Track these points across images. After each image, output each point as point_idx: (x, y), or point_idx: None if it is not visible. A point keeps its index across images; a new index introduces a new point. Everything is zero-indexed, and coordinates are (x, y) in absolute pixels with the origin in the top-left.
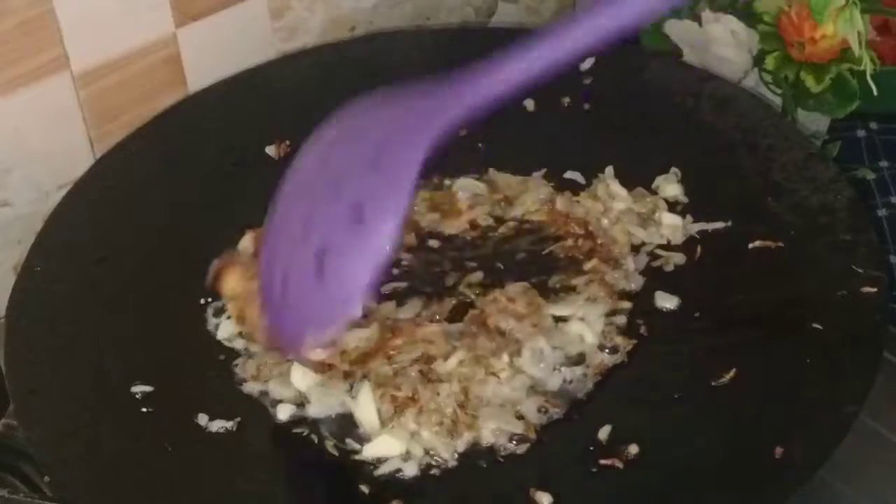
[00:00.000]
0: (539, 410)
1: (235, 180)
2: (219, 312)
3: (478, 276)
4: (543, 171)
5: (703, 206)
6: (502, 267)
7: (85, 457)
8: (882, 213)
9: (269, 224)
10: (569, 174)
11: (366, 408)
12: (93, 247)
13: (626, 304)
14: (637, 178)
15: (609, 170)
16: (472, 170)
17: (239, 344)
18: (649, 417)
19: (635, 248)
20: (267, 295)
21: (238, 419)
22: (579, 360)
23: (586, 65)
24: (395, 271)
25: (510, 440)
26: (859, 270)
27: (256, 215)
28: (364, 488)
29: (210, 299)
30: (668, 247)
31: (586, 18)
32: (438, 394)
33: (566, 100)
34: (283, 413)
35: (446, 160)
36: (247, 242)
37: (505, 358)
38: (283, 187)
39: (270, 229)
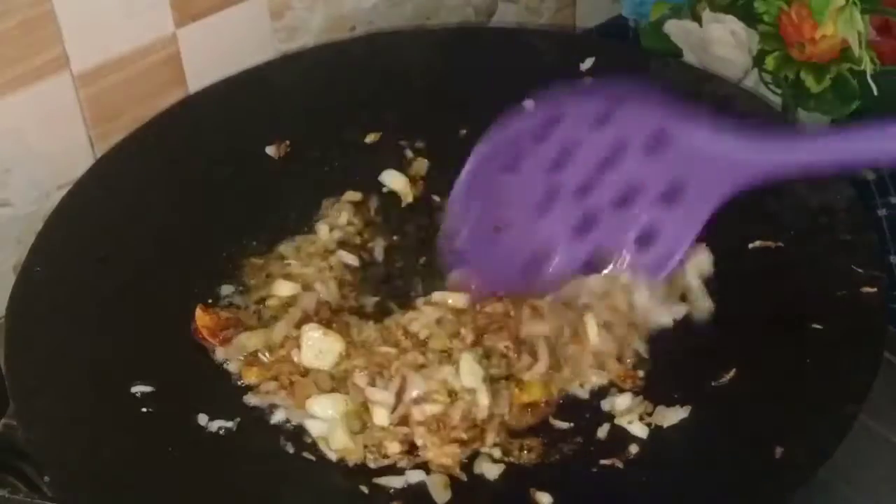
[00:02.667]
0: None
1: (236, 180)
2: None
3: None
4: None
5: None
6: None
7: (85, 457)
8: (882, 213)
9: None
10: None
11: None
12: (93, 247)
13: None
14: None
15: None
16: None
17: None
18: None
19: None
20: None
21: (238, 419)
22: None
23: (586, 65)
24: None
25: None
26: (859, 270)
27: (256, 215)
28: (364, 489)
29: (210, 300)
30: None
31: None
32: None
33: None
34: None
35: (446, 160)
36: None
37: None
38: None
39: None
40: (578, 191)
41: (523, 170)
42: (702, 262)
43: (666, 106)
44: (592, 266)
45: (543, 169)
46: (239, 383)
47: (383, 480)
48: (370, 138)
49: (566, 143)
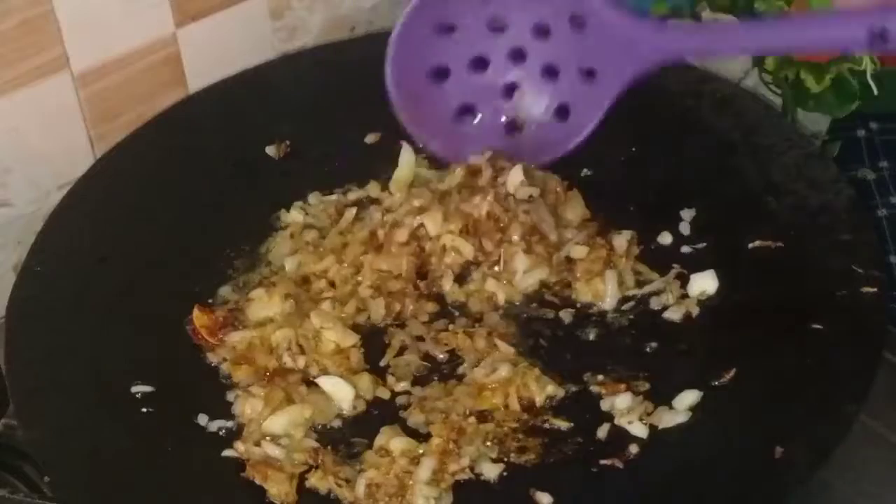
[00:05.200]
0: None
1: (235, 180)
2: None
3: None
4: None
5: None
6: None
7: (85, 457)
8: (882, 213)
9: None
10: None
11: None
12: (93, 247)
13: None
14: (637, 179)
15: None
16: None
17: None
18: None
19: None
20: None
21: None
22: None
23: None
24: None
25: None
26: (859, 270)
27: (256, 215)
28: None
29: (210, 300)
30: None
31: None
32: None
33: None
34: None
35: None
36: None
37: None
38: None
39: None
40: (510, 55)
41: (461, 26)
42: (707, 284)
43: None
44: (512, 127)
45: (480, 29)
46: (225, 381)
47: None
48: (370, 138)
49: (502, 8)
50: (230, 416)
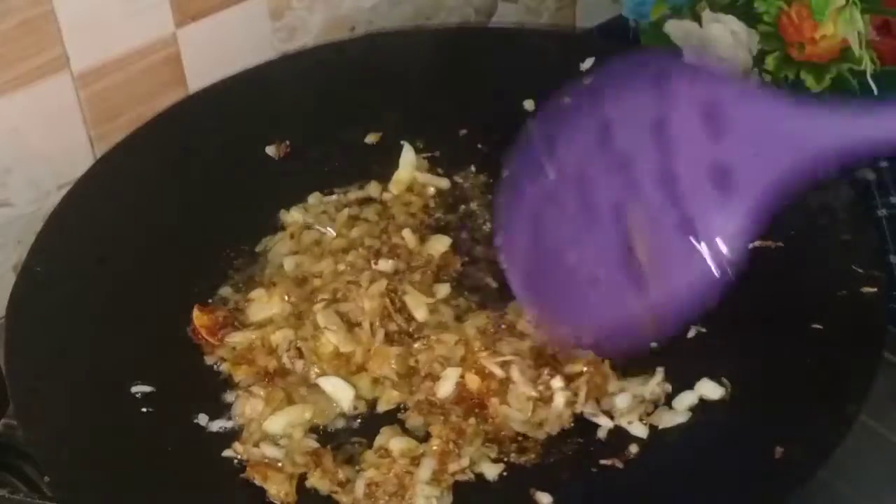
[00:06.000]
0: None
1: (235, 180)
2: None
3: None
4: None
5: None
6: None
7: (85, 457)
8: (882, 213)
9: (550, 171)
10: None
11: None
12: (93, 247)
13: None
14: None
15: None
16: (471, 168)
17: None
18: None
19: None
20: (528, 259)
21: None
22: None
23: (586, 65)
24: None
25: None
26: (859, 270)
27: (256, 215)
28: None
29: (210, 300)
30: None
31: None
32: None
33: (566, 100)
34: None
35: (446, 159)
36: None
37: None
38: (576, 131)
39: (550, 178)
40: (613, 206)
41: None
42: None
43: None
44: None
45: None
46: (225, 381)
47: None
48: (370, 138)
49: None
50: (230, 417)
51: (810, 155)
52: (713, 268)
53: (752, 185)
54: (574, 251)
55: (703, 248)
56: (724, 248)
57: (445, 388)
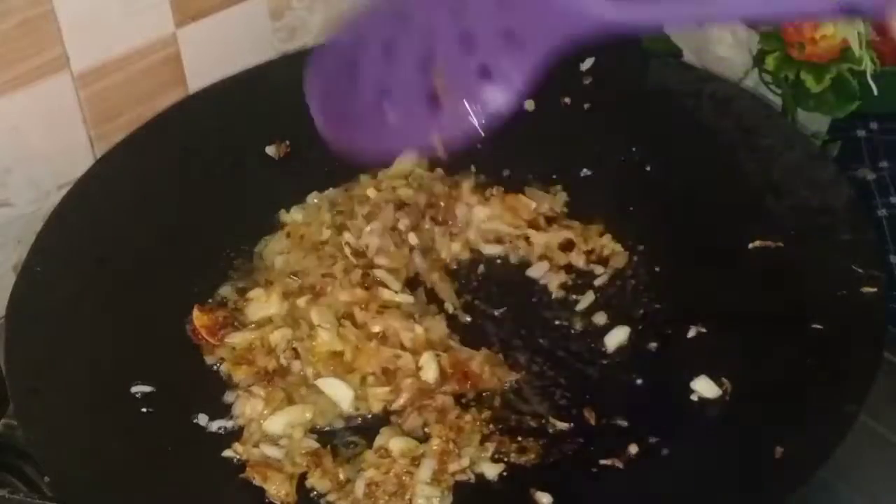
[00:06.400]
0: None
1: (235, 180)
2: None
3: None
4: None
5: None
6: None
7: (85, 457)
8: (882, 213)
9: (366, 19)
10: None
11: None
12: (93, 247)
13: None
14: (637, 180)
15: None
16: (472, 168)
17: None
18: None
19: None
20: (342, 90)
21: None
22: None
23: (586, 65)
24: None
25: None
26: (859, 270)
27: (256, 215)
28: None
29: (210, 300)
30: None
31: None
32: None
33: (566, 100)
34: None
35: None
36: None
37: None
38: None
39: (367, 24)
40: (425, 31)
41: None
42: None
43: None
44: (434, 103)
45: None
46: (225, 381)
47: None
48: None
49: None
50: (230, 416)
51: (583, 28)
52: (501, 98)
53: (535, 47)
54: (379, 92)
55: (493, 84)
56: (511, 84)
57: (429, 373)
